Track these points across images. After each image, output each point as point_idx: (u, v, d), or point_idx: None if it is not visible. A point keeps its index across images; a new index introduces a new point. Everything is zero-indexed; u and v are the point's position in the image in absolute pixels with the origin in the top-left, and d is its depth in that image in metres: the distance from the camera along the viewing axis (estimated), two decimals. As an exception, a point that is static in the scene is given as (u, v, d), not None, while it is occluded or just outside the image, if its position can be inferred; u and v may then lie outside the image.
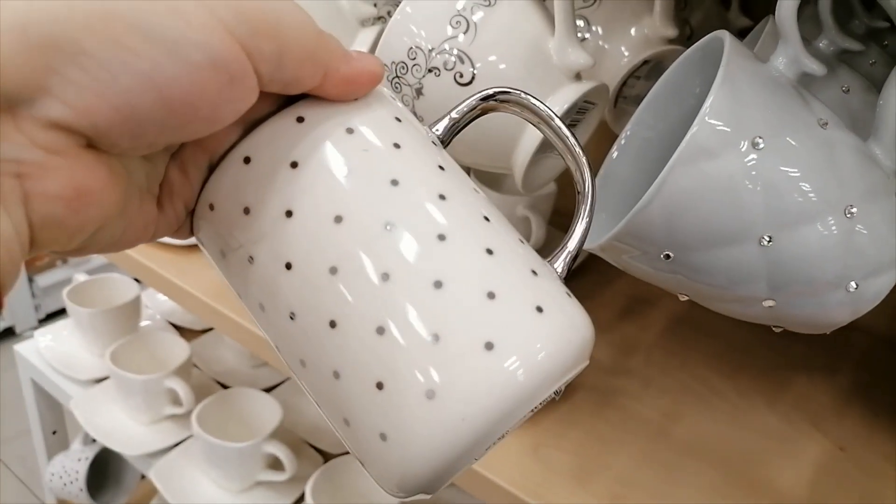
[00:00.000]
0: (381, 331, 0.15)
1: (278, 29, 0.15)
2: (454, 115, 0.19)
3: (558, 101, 0.31)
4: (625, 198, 0.29)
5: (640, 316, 0.48)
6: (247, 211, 0.17)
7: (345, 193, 0.16)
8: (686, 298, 0.30)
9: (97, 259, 1.35)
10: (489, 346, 0.15)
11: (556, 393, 0.17)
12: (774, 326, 0.29)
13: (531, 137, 0.32)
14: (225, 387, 0.72)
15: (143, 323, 0.78)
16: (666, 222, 0.25)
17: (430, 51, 0.31)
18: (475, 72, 0.31)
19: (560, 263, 0.18)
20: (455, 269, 0.16)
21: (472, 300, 0.16)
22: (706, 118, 0.24)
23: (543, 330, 0.16)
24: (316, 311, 0.16)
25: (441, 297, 0.16)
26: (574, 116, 0.33)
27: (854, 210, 0.25)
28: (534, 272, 0.17)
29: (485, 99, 0.19)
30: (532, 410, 0.17)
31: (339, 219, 0.16)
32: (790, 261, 0.25)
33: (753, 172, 0.24)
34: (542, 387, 0.16)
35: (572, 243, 0.19)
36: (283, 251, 0.16)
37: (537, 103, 0.19)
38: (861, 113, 0.30)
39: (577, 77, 0.32)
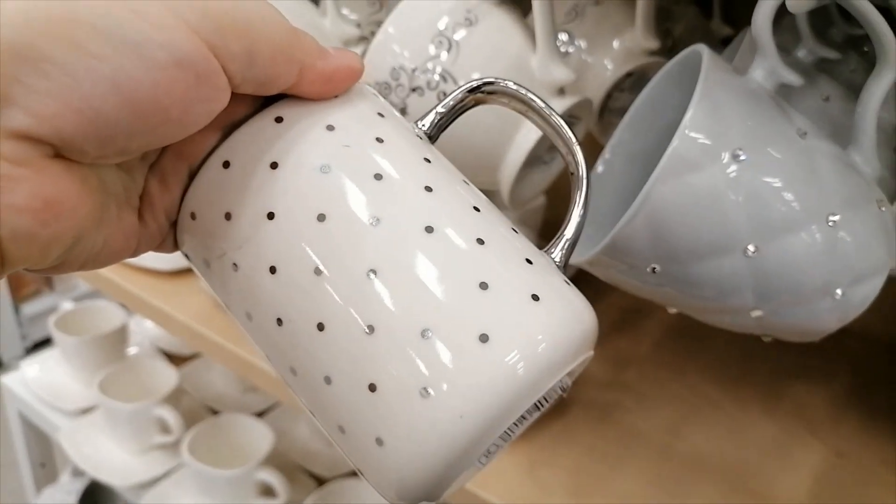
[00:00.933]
0: (370, 330, 0.15)
1: (246, 27, 0.15)
2: (440, 109, 0.19)
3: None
4: (611, 212, 0.29)
5: (632, 329, 0.48)
6: (228, 216, 0.16)
7: (326, 191, 0.16)
8: (675, 311, 0.30)
9: (83, 286, 1.34)
10: (484, 338, 0.15)
11: (562, 390, 0.17)
12: (764, 336, 0.29)
13: (517, 153, 0.32)
14: (216, 412, 0.71)
15: (132, 349, 0.77)
16: (651, 235, 0.25)
17: (414, 70, 0.31)
18: (458, 90, 0.31)
19: (558, 253, 0.18)
20: (445, 261, 0.15)
21: (463, 292, 0.15)
22: (686, 131, 0.24)
23: (541, 318, 0.15)
24: (303, 314, 0.16)
25: (431, 291, 0.15)
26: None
27: (836, 218, 0.25)
28: (528, 261, 0.16)
29: (471, 91, 0.19)
30: (539, 407, 0.16)
31: (321, 217, 0.16)
32: (776, 270, 0.25)
33: (735, 184, 0.24)
34: (542, 378, 0.15)
35: (569, 231, 0.18)
36: (266, 255, 0.16)
37: (523, 91, 0.18)
38: (841, 121, 0.31)
39: (561, 92, 0.33)
